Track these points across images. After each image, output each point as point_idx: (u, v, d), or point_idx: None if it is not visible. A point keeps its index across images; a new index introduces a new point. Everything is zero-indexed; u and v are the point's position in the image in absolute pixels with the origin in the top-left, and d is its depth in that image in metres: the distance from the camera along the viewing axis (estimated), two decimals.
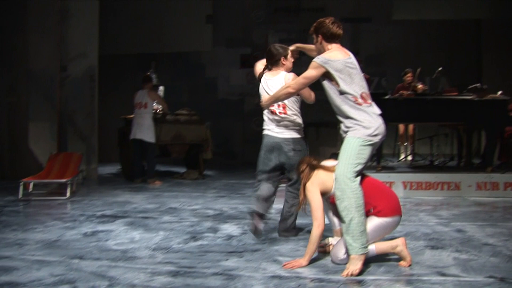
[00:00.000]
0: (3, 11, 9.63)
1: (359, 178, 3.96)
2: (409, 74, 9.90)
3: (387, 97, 8.05)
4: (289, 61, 4.92)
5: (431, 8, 12.15)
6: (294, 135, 4.88)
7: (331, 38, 4.16)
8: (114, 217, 6.04)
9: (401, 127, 10.40)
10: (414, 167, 8.92)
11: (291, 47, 4.93)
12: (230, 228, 5.43)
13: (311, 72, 4.05)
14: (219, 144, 12.75)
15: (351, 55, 4.13)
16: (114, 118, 11.67)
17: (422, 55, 12.16)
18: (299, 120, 4.90)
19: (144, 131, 9.11)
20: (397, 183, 7.61)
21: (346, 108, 3.99)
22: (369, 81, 7.40)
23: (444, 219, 5.91)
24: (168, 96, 10.48)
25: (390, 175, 7.80)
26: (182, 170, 10.52)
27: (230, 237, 5.02)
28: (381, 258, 4.21)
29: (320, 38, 4.19)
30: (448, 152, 9.86)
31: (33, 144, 9.59)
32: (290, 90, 4.23)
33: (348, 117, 4.00)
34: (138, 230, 5.35)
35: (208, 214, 6.30)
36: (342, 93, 4.00)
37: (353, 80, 4.00)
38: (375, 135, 3.95)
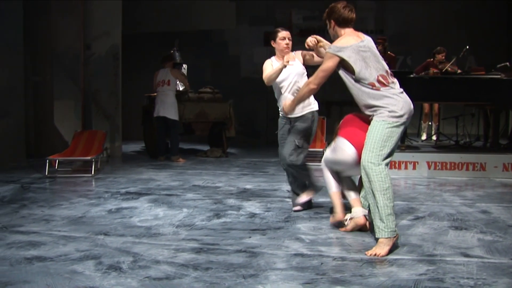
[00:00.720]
0: None
1: (386, 161, 3.91)
2: (443, 53, 9.58)
3: (412, 75, 7.93)
4: (278, 44, 5.07)
5: None
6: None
7: (344, 23, 4.12)
8: (138, 194, 6.11)
9: (426, 106, 10.26)
10: (438, 147, 8.81)
11: (309, 38, 4.61)
12: (253, 206, 5.45)
13: (327, 63, 4.01)
14: (242, 122, 12.75)
15: (365, 38, 4.08)
16: (138, 96, 11.75)
17: (448, 33, 11.92)
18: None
19: (168, 108, 9.15)
20: (421, 163, 7.54)
21: (365, 97, 3.97)
22: (394, 60, 7.34)
23: (468, 200, 5.85)
24: (191, 74, 10.50)
25: (414, 154, 7.73)
26: (205, 148, 10.58)
27: (253, 215, 5.05)
28: (404, 238, 4.20)
29: (333, 23, 4.16)
30: (474, 132, 9.71)
31: (58, 122, 9.72)
32: (312, 86, 4.19)
33: (369, 106, 3.99)
34: (162, 207, 5.41)
35: (232, 191, 6.33)
36: (357, 80, 3.97)
37: (368, 64, 3.95)
38: (401, 116, 3.89)
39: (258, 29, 13.37)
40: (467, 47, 9.02)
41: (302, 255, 3.74)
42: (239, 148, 11.43)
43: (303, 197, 5.15)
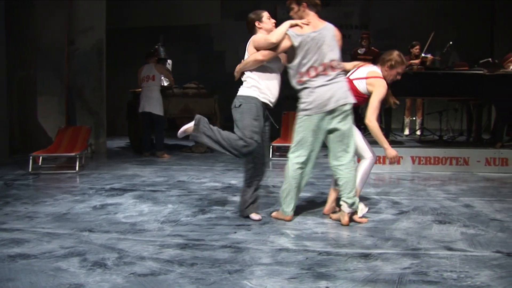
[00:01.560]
0: None
1: (297, 152, 4.45)
2: (417, 47, 9.79)
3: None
4: (265, 23, 4.70)
5: None
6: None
7: (313, 6, 4.46)
8: (123, 191, 6.09)
9: (408, 100, 10.34)
10: (422, 142, 8.88)
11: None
12: (238, 201, 5.44)
13: (284, 43, 4.38)
14: (227, 117, 12.67)
15: (321, 28, 4.39)
16: (122, 91, 11.69)
17: (432, 28, 11.97)
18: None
19: (153, 104, 9.11)
20: (405, 158, 7.60)
21: (294, 84, 4.44)
22: (378, 55, 7.35)
23: (452, 194, 5.91)
24: (176, 70, 10.45)
25: (399, 149, 7.70)
26: (190, 143, 10.55)
27: (238, 210, 5.05)
28: (389, 232, 4.23)
29: (303, 6, 4.43)
30: (457, 127, 9.80)
31: (42, 118, 9.64)
32: (259, 57, 4.47)
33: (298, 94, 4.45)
34: (147, 203, 5.39)
35: (217, 187, 6.33)
36: (293, 67, 4.41)
37: (307, 54, 4.33)
38: (309, 109, 4.35)
39: (244, 24, 13.26)
40: (451, 42, 9.11)
41: (287, 250, 3.75)
42: None
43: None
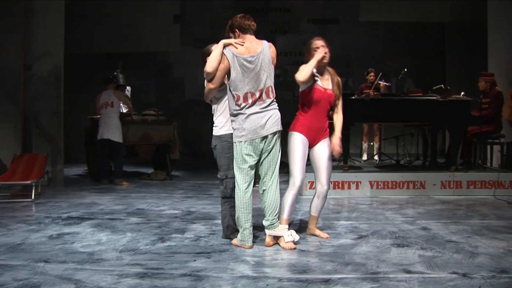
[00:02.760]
0: None
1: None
2: (371, 74, 10.08)
3: (353, 97, 8.15)
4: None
5: (397, 11, 12.36)
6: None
7: (244, 29, 4.65)
8: (81, 219, 5.96)
9: (365, 126, 10.55)
10: (380, 167, 9.04)
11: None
12: (198, 229, 5.42)
13: (223, 64, 4.52)
14: (187, 144, 12.71)
15: (259, 53, 4.56)
16: (80, 118, 11.53)
17: (388, 56, 12.36)
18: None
19: (112, 130, 9.02)
20: (363, 183, 7.71)
21: (230, 106, 4.61)
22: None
23: (409, 218, 6.02)
24: (135, 96, 10.41)
25: (357, 174, 7.90)
26: (149, 170, 10.45)
27: (198, 238, 5.01)
28: (348, 257, 4.27)
29: (237, 32, 4.64)
30: (414, 151, 10.03)
31: None
32: (211, 85, 4.65)
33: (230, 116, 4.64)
34: (105, 231, 5.29)
35: (176, 215, 6.27)
36: (229, 87, 4.55)
37: (244, 78, 4.48)
38: (242, 135, 4.51)
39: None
40: (405, 69, 9.38)
41: (247, 277, 3.74)
42: (184, 171, 11.36)
43: None
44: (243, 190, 4.55)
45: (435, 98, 7.96)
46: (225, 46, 4.55)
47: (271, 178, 4.62)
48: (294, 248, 4.53)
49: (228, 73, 4.53)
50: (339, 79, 5.06)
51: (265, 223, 4.66)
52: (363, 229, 5.40)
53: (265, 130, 4.49)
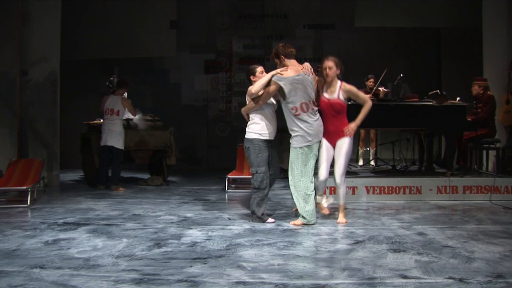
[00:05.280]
0: None
1: (307, 175, 5.80)
2: (371, 80, 10.08)
3: (349, 103, 8.13)
4: (258, 77, 6.03)
5: (392, 16, 12.37)
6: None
7: (289, 55, 5.84)
8: (77, 225, 5.95)
9: (362, 131, 10.55)
10: (376, 172, 9.05)
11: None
12: (194, 234, 5.41)
13: (271, 87, 5.75)
14: (183, 150, 12.69)
15: (302, 73, 5.75)
16: (76, 124, 11.50)
17: (383, 61, 12.30)
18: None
19: (116, 137, 9.01)
20: (360, 188, 7.71)
21: (289, 120, 5.80)
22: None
23: (406, 223, 6.02)
24: (131, 102, 10.38)
25: (353, 179, 7.90)
26: (145, 176, 10.43)
27: (194, 243, 5.00)
28: (345, 262, 4.27)
29: (282, 58, 5.84)
30: (410, 156, 10.04)
31: None
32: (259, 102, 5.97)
33: (290, 129, 5.82)
34: (101, 237, 5.28)
35: (172, 220, 6.26)
36: (286, 103, 5.74)
37: (297, 93, 5.67)
38: (310, 140, 5.75)
39: (199, 57, 13.43)
40: (401, 75, 9.40)
41: (244, 283, 3.73)
42: (180, 176, 11.34)
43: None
44: (311, 189, 5.81)
45: (431, 103, 7.98)
46: (273, 76, 5.75)
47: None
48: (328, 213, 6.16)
49: (277, 94, 5.82)
50: (351, 87, 6.06)
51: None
52: (359, 234, 5.41)
53: (321, 135, 5.90)
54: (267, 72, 5.99)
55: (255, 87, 5.82)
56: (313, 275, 3.93)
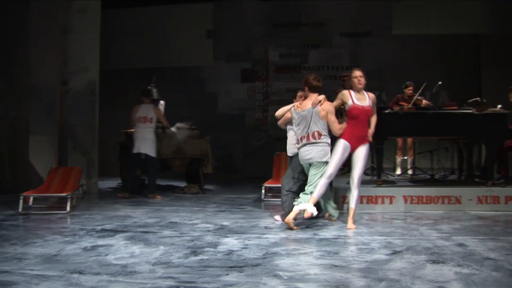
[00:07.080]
0: (6, 25, 9.71)
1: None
2: (410, 88, 9.82)
3: (387, 111, 8.05)
4: (296, 99, 6.88)
5: (430, 23, 12.22)
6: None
7: (313, 89, 6.34)
8: (114, 232, 6.03)
9: (399, 140, 10.39)
10: (414, 181, 8.90)
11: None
12: (230, 243, 5.41)
13: (288, 114, 6.59)
14: (219, 158, 12.76)
15: (307, 109, 6.23)
16: (114, 132, 11.70)
17: (421, 69, 12.18)
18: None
19: (149, 145, 9.13)
20: (397, 197, 7.60)
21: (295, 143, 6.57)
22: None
23: (445, 233, 5.89)
24: (168, 111, 10.50)
25: (391, 189, 7.79)
26: (182, 184, 10.51)
27: (230, 251, 5.01)
28: (382, 273, 4.20)
29: (306, 88, 6.38)
30: (449, 166, 9.84)
31: (33, 158, 9.60)
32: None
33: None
34: (138, 244, 5.34)
35: (209, 228, 6.28)
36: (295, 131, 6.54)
37: (300, 127, 6.31)
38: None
39: (235, 65, 13.53)
40: (440, 82, 9.22)
41: None
42: (216, 184, 11.40)
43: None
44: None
45: (470, 111, 7.82)
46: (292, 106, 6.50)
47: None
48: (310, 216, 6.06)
49: (290, 121, 6.57)
50: (374, 96, 6.49)
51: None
52: (397, 244, 5.31)
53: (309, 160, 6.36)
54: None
55: (278, 112, 6.69)
56: (350, 285, 3.87)
